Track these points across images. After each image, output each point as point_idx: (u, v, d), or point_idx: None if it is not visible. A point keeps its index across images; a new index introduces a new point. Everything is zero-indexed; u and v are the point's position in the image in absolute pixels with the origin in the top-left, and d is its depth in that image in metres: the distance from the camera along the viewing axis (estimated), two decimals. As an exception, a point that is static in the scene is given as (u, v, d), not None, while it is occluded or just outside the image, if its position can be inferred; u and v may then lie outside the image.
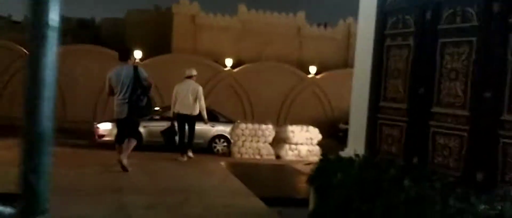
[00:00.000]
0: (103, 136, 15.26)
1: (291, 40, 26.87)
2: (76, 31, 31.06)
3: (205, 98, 23.52)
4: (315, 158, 13.57)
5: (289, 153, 13.01)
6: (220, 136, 15.71)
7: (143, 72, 8.68)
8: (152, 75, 9.33)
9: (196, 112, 11.55)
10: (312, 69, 25.28)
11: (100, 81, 23.07)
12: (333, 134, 23.20)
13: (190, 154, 11.45)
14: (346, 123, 22.19)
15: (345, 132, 22.40)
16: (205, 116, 11.93)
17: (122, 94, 8.33)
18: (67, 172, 8.19)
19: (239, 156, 12.76)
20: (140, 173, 8.78)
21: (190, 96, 11.06)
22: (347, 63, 27.77)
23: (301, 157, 13.03)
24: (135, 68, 8.57)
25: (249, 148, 12.82)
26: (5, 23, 33.03)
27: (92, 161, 10.47)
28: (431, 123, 5.47)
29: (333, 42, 27.72)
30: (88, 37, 27.48)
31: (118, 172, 8.60)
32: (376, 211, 5.29)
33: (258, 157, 12.79)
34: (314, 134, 13.33)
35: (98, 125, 15.49)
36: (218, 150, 15.63)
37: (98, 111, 22.54)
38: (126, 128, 8.68)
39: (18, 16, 33.17)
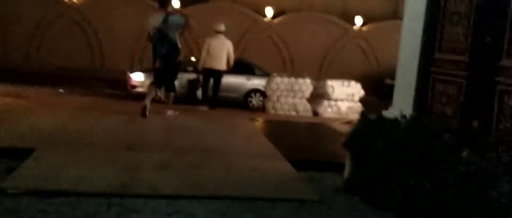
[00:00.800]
0: (135, 86, 14.61)
1: (336, -12, 25.30)
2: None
3: (243, 50, 22.84)
4: (356, 116, 12.53)
5: (327, 110, 12.01)
6: (256, 90, 14.82)
7: (176, 19, 8.67)
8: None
9: (224, 67, 11.44)
10: (358, 20, 23.76)
11: (137, 30, 22.66)
12: (378, 90, 21.95)
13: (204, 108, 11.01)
14: (392, 77, 20.91)
15: (391, 87, 21.18)
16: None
17: (155, 40, 8.59)
18: (82, 124, 7.56)
19: (273, 111, 11.85)
20: (159, 126, 8.03)
21: (223, 52, 11.00)
22: (396, 14, 26.01)
23: (341, 115, 12.02)
24: (167, 14, 8.51)
25: (285, 103, 11.89)
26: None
27: (117, 111, 9.77)
28: (499, 79, 4.36)
29: (382, -9, 25.96)
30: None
31: (137, 125, 7.95)
32: (425, 186, 4.31)
33: (293, 113, 11.86)
34: (356, 89, 12.24)
35: (131, 75, 14.81)
36: (253, 104, 14.81)
37: (135, 60, 22.03)
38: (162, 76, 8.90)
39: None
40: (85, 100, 11.99)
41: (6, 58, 21.13)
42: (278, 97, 11.90)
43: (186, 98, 11.48)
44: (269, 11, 23.08)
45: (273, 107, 11.87)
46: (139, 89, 14.41)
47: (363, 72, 23.51)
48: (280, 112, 11.85)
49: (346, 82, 12.14)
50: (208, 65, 10.99)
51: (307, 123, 9.91)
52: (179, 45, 8.83)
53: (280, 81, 11.92)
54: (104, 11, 21.95)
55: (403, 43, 6.05)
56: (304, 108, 11.93)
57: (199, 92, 11.70)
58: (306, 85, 11.97)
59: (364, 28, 23.81)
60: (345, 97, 12.07)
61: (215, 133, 7.78)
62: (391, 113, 5.52)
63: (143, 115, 8.49)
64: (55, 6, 21.57)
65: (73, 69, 21.25)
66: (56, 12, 21.57)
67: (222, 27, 11.53)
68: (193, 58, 17.47)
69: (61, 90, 14.77)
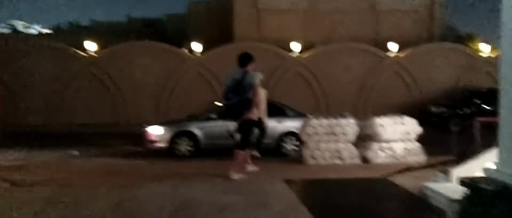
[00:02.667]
0: (154, 141, 12.51)
1: (365, 16, 22.92)
2: (141, 30, 28.95)
3: (272, 90, 20.54)
4: (416, 159, 10.03)
5: (379, 155, 9.48)
6: (290, 133, 12.60)
7: (252, 78, 7.85)
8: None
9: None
10: (393, 46, 21.28)
11: (161, 79, 20.86)
12: (425, 120, 19.24)
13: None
14: (438, 104, 18.00)
15: (439, 116, 18.35)
16: None
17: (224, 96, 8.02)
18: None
19: (313, 161, 9.40)
20: (166, 205, 5.75)
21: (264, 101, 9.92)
22: (432, 36, 23.49)
23: (396, 159, 9.47)
24: (245, 73, 7.85)
25: (326, 150, 9.44)
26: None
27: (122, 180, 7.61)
28: None
29: (414, 14, 23.46)
30: (153, 35, 25.05)
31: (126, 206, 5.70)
32: None
33: (338, 161, 9.38)
34: (411, 126, 9.70)
35: (148, 129, 12.73)
36: (287, 150, 12.52)
37: (160, 112, 20.08)
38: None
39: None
40: (98, 166, 9.92)
41: (26, 120, 19.54)
42: (317, 143, 9.47)
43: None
44: (296, 46, 20.90)
45: (312, 156, 9.43)
46: (159, 145, 12.38)
47: (404, 101, 20.84)
48: (321, 161, 9.39)
49: (398, 119, 9.63)
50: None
51: (360, 180, 7.25)
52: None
53: (318, 124, 9.51)
54: (124, 62, 20.24)
55: (505, 76, 3.65)
56: (350, 154, 9.45)
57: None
58: (349, 126, 9.51)
59: (400, 54, 21.32)
60: (399, 137, 9.55)
61: (236, 209, 5.39)
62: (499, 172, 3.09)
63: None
64: (73, 62, 19.96)
65: (95, 126, 19.50)
66: (75, 68, 19.95)
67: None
68: (217, 103, 15.32)
69: (75, 152, 12.88)
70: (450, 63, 21.53)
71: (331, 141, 9.46)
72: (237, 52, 20.18)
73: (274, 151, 12.60)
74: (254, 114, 7.93)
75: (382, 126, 9.41)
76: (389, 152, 9.47)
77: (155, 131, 12.62)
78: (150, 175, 8.41)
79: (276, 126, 12.74)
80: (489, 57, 21.90)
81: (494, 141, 10.84)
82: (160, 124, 13.29)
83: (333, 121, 9.49)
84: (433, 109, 19.52)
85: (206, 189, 6.64)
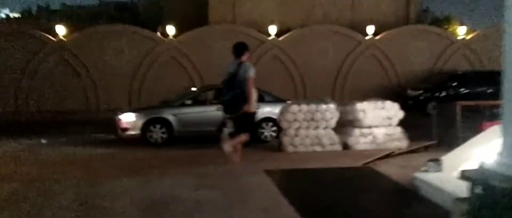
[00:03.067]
0: (126, 129, 11.92)
1: (342, -2, 22.57)
2: (113, 13, 27.98)
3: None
4: (398, 144, 9.68)
5: (360, 141, 9.09)
6: (268, 119, 12.17)
7: (245, 71, 7.46)
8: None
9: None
10: (370, 29, 20.94)
11: (133, 65, 20.08)
12: (402, 103, 18.94)
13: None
14: (415, 87, 17.75)
15: (416, 99, 18.11)
16: None
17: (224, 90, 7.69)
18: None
19: (292, 149, 8.97)
20: (136, 201, 5.24)
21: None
22: (408, 19, 23.22)
23: (378, 145, 9.10)
24: (239, 64, 7.50)
25: (306, 136, 9.00)
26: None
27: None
28: None
29: (390, -3, 23.18)
30: (125, 19, 24.16)
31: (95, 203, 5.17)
32: None
33: (318, 148, 8.97)
34: (392, 110, 9.32)
35: (120, 116, 12.12)
36: (266, 137, 12.11)
37: (133, 98, 19.36)
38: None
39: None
40: (67, 156, 9.31)
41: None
42: (297, 129, 9.03)
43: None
44: (272, 29, 20.38)
45: (292, 144, 8.99)
46: (132, 132, 11.79)
47: (381, 84, 20.59)
48: (301, 148, 8.96)
49: (379, 104, 9.23)
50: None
51: (343, 169, 6.71)
52: (248, 96, 7.49)
53: (298, 110, 9.06)
54: (95, 46, 19.38)
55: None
56: (330, 141, 9.04)
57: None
58: (330, 112, 9.08)
59: (377, 37, 21.01)
60: (381, 122, 9.17)
61: (213, 207, 4.90)
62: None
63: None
64: (42, 46, 19.00)
65: (66, 113, 18.69)
66: (44, 53, 19.00)
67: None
68: (193, 89, 14.77)
69: (43, 141, 12.21)
70: (427, 46, 21.33)
71: (311, 127, 9.03)
72: (213, 35, 19.91)
73: (252, 137, 12.17)
74: (253, 106, 7.66)
75: (363, 111, 9.01)
76: (370, 138, 9.10)
77: (127, 118, 12.03)
78: (122, 166, 7.87)
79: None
80: (465, 39, 21.78)
81: (475, 124, 10.64)
82: (132, 110, 12.71)
83: (313, 107, 9.04)
84: (410, 92, 19.30)
85: (181, 183, 6.12)
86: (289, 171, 6.66)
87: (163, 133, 11.83)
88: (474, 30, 22.03)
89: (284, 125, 9.10)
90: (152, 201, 5.29)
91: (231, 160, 7.39)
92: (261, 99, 12.46)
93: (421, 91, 19.32)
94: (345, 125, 9.16)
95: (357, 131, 9.08)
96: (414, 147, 9.40)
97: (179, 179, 6.35)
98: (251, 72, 7.39)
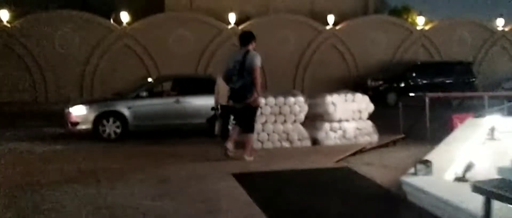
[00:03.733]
0: (76, 123, 10.91)
1: (302, -13, 21.96)
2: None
3: (207, 64, 19.19)
4: (368, 139, 9.12)
5: (330, 135, 8.50)
6: (229, 112, 11.44)
7: (252, 60, 7.21)
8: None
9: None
10: (330, 19, 20.48)
11: (84, 53, 18.81)
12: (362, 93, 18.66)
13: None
14: (375, 78, 17.39)
15: (376, 90, 17.77)
16: None
17: (227, 79, 7.53)
18: None
19: (259, 145, 8.27)
20: (82, 214, 4.41)
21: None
22: (367, 9, 22.93)
23: (348, 140, 8.53)
24: (246, 53, 7.27)
25: (273, 132, 8.32)
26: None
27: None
28: None
29: (350, -14, 22.77)
30: (75, 4, 22.63)
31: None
32: None
33: (286, 144, 8.32)
34: (363, 103, 8.76)
35: (70, 109, 11.09)
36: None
37: (84, 90, 18.12)
38: (236, 117, 7.64)
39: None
40: (10, 154, 8.30)
41: None
42: (264, 124, 8.34)
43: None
44: (231, 18, 19.55)
45: (258, 139, 8.30)
46: (82, 127, 10.80)
47: (341, 75, 20.18)
48: (268, 145, 8.28)
49: (349, 96, 8.65)
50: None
51: (320, 171, 5.93)
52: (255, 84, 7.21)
53: (264, 104, 8.37)
54: (43, 33, 17.93)
55: None
56: (299, 136, 8.39)
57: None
58: (299, 105, 8.42)
59: (337, 27, 20.55)
60: (351, 115, 8.62)
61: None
62: None
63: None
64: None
65: (12, 105, 17.27)
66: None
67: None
68: (149, 79, 13.85)
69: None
70: (386, 36, 21.07)
71: (278, 121, 8.36)
72: (169, 23, 18.88)
73: (207, 131, 11.42)
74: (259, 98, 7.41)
75: (333, 104, 8.41)
76: (340, 133, 8.52)
77: (77, 111, 11.02)
78: (68, 167, 6.92)
79: (211, 104, 11.53)
80: (424, 29, 21.67)
81: (443, 116, 10.29)
82: (83, 103, 11.67)
83: (281, 100, 8.36)
84: (370, 83, 19.00)
85: (139, 190, 5.30)
86: (260, 174, 5.92)
87: (117, 127, 10.89)
88: (432, 21, 21.96)
89: (249, 119, 8.38)
90: (103, 211, 4.47)
91: (243, 158, 7.16)
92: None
93: (381, 82, 19.07)
94: (314, 119, 8.53)
95: (327, 125, 8.48)
96: (385, 141, 8.93)
97: (136, 185, 5.51)
98: (258, 61, 7.17)
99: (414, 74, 19.34)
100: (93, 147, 9.44)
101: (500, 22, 22.16)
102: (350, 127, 8.55)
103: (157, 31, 18.64)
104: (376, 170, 6.00)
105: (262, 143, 8.30)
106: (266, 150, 8.07)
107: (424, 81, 19.22)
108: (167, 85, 12.41)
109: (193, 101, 11.45)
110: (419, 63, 20.09)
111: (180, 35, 18.84)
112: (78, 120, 10.82)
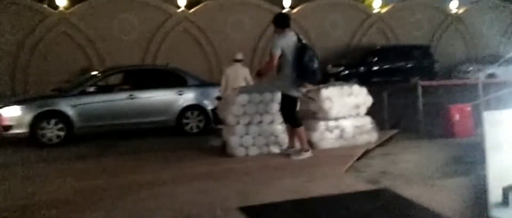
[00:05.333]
0: (9, 126, 8.92)
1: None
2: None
3: (156, 52, 17.13)
4: (367, 138, 7.65)
5: (326, 136, 6.98)
6: (193, 107, 9.85)
7: (272, 45, 6.34)
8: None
9: None
10: (287, 2, 19.01)
11: (15, 41, 16.19)
12: (323, 80, 17.34)
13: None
14: (335, 64, 16.01)
15: (336, 76, 16.42)
16: None
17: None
18: None
19: (242, 151, 6.62)
20: None
21: (239, 80, 8.77)
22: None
23: (347, 141, 7.06)
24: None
25: (259, 134, 6.70)
26: None
27: None
28: None
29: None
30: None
31: None
32: None
33: (275, 149, 6.72)
34: (361, 97, 7.29)
35: (1, 111, 9.06)
36: (191, 128, 9.78)
37: (17, 86, 15.60)
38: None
39: None
40: None
41: None
42: (247, 126, 6.72)
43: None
44: (181, 1, 17.56)
45: (242, 144, 6.67)
46: (16, 131, 8.82)
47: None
48: (254, 151, 6.61)
49: (346, 89, 7.16)
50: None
51: (356, 197, 3.98)
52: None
53: (247, 101, 6.72)
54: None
55: None
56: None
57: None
58: (289, 101, 6.87)
59: (294, 10, 19.08)
60: (348, 111, 7.17)
61: None
62: None
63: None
64: None
65: None
66: None
67: (239, 56, 9.24)
68: (95, 73, 11.80)
69: None
70: (343, 19, 19.87)
71: (265, 122, 6.75)
72: (113, 6, 16.63)
73: (174, 130, 9.71)
74: (287, 87, 6.32)
75: (329, 99, 6.90)
76: (337, 132, 7.03)
77: (10, 113, 9.02)
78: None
79: (176, 99, 9.83)
80: (380, 13, 20.67)
81: (437, 107, 9.05)
82: (17, 102, 9.56)
83: (268, 96, 6.74)
84: (330, 69, 17.78)
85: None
86: (276, 206, 4.20)
87: (59, 129, 8.96)
88: (388, 4, 21.00)
89: (230, 120, 6.70)
90: None
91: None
92: (183, 83, 10.06)
93: (342, 68, 17.92)
94: (305, 117, 6.99)
95: (322, 125, 6.95)
96: (383, 139, 7.58)
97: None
98: (277, 46, 6.20)
99: (375, 59, 18.31)
100: (30, 156, 7.55)
101: (453, 5, 21.56)
102: (348, 125, 7.08)
103: (100, 16, 16.38)
104: (414, 188, 4.56)
105: (246, 148, 6.66)
106: (253, 159, 6.43)
107: (385, 66, 18.25)
108: (118, 79, 10.49)
109: (151, 96, 9.69)
110: (379, 47, 19.11)
111: (125, 20, 16.68)
112: (11, 122, 8.83)
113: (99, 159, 7.00)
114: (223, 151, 6.87)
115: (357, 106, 7.23)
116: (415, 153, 6.75)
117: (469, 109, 8.24)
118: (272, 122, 6.79)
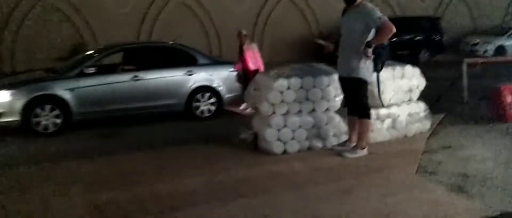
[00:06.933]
0: (-1, 114, 7.55)
1: None
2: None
3: (150, 28, 15.54)
4: (420, 127, 6.30)
5: (378, 127, 5.78)
6: (204, 88, 8.52)
7: (372, 13, 4.91)
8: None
9: None
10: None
11: None
12: (322, 54, 16.03)
13: None
14: (323, 37, 13.94)
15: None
16: None
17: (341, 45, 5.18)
18: None
19: (280, 147, 5.39)
20: None
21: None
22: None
23: (398, 130, 5.83)
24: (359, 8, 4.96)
25: (299, 126, 5.39)
26: None
27: None
28: None
29: None
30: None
31: None
32: None
33: (318, 143, 5.51)
34: (415, 79, 6.05)
35: (-16, 95, 7.66)
36: (202, 112, 8.51)
37: (3, 65, 14.02)
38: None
39: None
40: None
41: None
42: (285, 117, 5.48)
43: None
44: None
45: (279, 139, 5.44)
46: (7, 119, 7.49)
47: (300, 35, 17.51)
48: (294, 146, 5.35)
49: (398, 70, 5.93)
50: None
51: None
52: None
53: (286, 87, 5.44)
54: None
55: None
56: (335, 129, 5.60)
57: None
58: (333, 86, 5.59)
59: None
60: (403, 97, 5.96)
61: None
62: None
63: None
64: None
65: None
66: None
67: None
68: (91, 52, 10.33)
69: None
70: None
71: (304, 111, 5.51)
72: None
73: (184, 114, 8.43)
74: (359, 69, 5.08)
75: (382, 82, 5.68)
76: (389, 122, 5.82)
77: (-4, 99, 7.63)
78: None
79: (185, 79, 8.50)
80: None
81: (485, 87, 7.81)
82: (6, 86, 8.11)
83: (309, 80, 5.47)
84: (318, 41, 16.26)
85: None
86: None
87: (56, 116, 7.61)
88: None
89: (265, 109, 5.45)
90: None
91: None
92: (193, 62, 8.73)
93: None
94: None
95: (372, 114, 5.76)
96: (433, 127, 6.41)
97: None
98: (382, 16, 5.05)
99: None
100: (23, 147, 6.24)
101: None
102: (401, 113, 5.88)
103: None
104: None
105: (284, 144, 5.42)
106: (295, 157, 5.20)
107: (392, 40, 16.95)
108: (118, 58, 9.08)
109: (157, 77, 8.36)
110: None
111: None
112: (0, 109, 7.45)
113: (108, 158, 5.67)
114: (255, 146, 5.62)
115: (410, 91, 6.01)
116: (480, 144, 5.59)
117: (518, 87, 7.09)
118: (313, 110, 5.54)
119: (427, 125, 6.14)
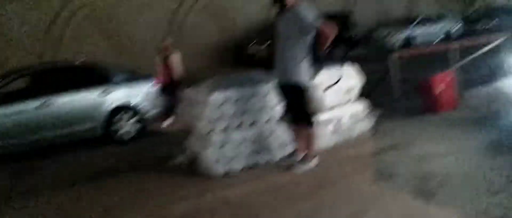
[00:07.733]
0: None
1: None
2: None
3: (60, 42, 14.30)
4: (362, 127, 5.90)
5: (325, 132, 5.35)
6: (124, 109, 7.70)
7: (307, 17, 4.42)
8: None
9: None
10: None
11: None
12: (247, 61, 15.63)
13: None
14: (255, 43, 14.06)
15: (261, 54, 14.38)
16: None
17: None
18: None
19: (221, 167, 4.78)
20: None
21: None
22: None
23: (341, 134, 5.46)
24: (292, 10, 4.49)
25: (241, 142, 4.87)
26: None
27: None
28: None
29: None
30: None
31: None
32: None
33: (263, 158, 4.96)
34: (352, 79, 5.71)
35: None
36: (121, 135, 7.67)
37: None
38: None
39: None
40: None
41: None
42: (225, 133, 4.87)
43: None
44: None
45: (221, 159, 4.82)
46: None
47: (217, 40, 16.96)
48: (236, 165, 4.74)
49: (336, 70, 5.55)
50: None
51: None
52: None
53: (224, 100, 4.84)
54: None
55: None
56: (279, 140, 5.12)
57: None
58: (272, 94, 5.10)
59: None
60: (342, 99, 5.58)
61: None
62: None
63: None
64: None
65: None
66: None
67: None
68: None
69: None
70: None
71: (245, 124, 4.95)
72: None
73: (103, 139, 7.52)
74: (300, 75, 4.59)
75: (322, 85, 5.25)
76: (332, 126, 5.45)
77: None
78: None
79: (100, 100, 7.61)
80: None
81: (413, 79, 7.72)
82: None
83: (248, 91, 4.92)
84: (255, 48, 16.03)
85: None
86: None
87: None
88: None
89: (202, 127, 4.81)
90: None
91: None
92: (105, 79, 7.84)
93: (261, 47, 16.25)
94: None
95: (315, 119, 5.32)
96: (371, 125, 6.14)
97: None
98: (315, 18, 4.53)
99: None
100: None
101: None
102: (343, 115, 5.51)
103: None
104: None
105: (228, 163, 4.82)
106: (243, 178, 4.63)
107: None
108: (24, 83, 7.91)
109: (73, 99, 7.40)
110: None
111: (13, 12, 13.61)
112: None
113: (25, 201, 4.73)
114: (193, 169, 4.97)
115: (349, 91, 5.67)
116: (426, 139, 5.38)
117: (451, 78, 7.09)
118: (253, 123, 5.00)
119: (368, 124, 5.84)
